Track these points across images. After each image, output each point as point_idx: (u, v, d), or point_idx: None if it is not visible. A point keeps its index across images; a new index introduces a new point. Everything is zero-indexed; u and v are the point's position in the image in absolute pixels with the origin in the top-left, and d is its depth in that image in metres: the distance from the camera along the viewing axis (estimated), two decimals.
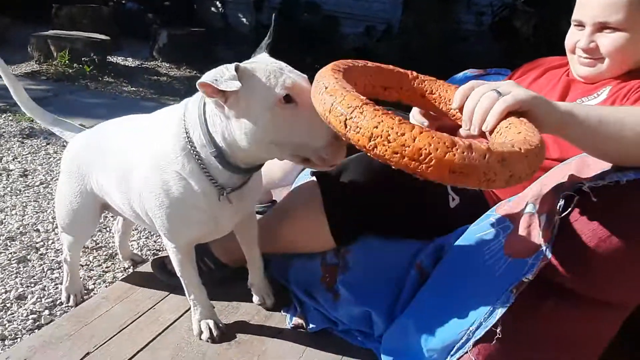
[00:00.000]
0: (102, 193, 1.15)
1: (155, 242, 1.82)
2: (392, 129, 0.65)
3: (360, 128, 0.68)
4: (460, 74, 1.75)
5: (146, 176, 0.97)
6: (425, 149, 0.64)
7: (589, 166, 0.92)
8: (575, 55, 1.14)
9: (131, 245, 1.72)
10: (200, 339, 1.11)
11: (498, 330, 0.88)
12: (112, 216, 1.86)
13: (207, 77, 0.81)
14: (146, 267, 1.40)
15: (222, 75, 0.81)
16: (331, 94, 0.73)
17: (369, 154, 0.68)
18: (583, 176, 0.89)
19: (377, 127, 0.66)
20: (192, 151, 0.92)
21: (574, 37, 1.12)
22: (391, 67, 0.98)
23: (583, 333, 0.94)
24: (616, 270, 0.85)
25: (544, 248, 0.85)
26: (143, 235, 1.84)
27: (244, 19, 5.83)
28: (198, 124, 0.91)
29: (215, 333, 1.11)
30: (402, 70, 0.98)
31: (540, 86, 1.31)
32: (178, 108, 0.98)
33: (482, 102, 0.75)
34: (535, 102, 0.76)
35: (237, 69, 0.83)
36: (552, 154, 1.10)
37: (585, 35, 1.08)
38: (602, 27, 1.06)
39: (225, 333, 1.13)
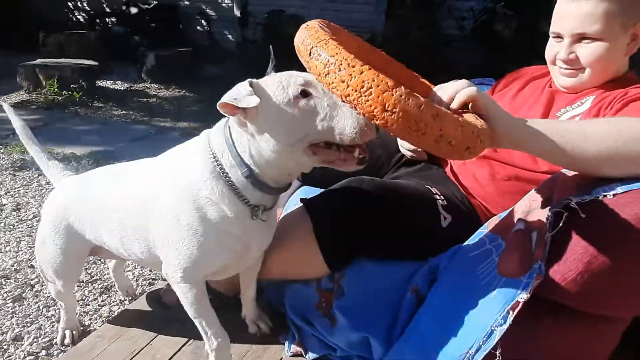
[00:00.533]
0: (98, 242, 1.14)
1: (151, 271, 1.81)
2: (346, 60, 0.73)
3: (320, 56, 0.76)
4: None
5: (172, 207, 0.96)
6: (368, 83, 0.71)
7: (576, 179, 0.92)
8: (556, 66, 1.15)
9: (126, 274, 1.71)
10: None
11: (498, 353, 0.87)
12: None
13: (226, 97, 0.85)
14: (140, 302, 1.39)
15: (239, 94, 0.85)
16: (308, 30, 0.82)
17: (321, 82, 0.76)
18: (570, 191, 0.89)
19: (333, 57, 0.74)
20: (222, 174, 0.92)
21: (554, 49, 1.13)
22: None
23: (583, 348, 0.93)
24: (611, 285, 0.84)
25: (537, 266, 0.84)
26: (138, 265, 1.83)
27: (230, 36, 5.87)
28: (226, 146, 0.93)
29: None
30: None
31: (524, 98, 1.31)
32: (198, 139, 0.99)
33: (457, 84, 0.82)
34: (499, 114, 0.83)
35: (251, 84, 0.87)
36: (541, 167, 1.10)
37: (565, 47, 1.09)
38: (580, 37, 1.07)
39: None
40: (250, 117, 0.88)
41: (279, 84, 0.87)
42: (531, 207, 0.95)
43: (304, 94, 0.85)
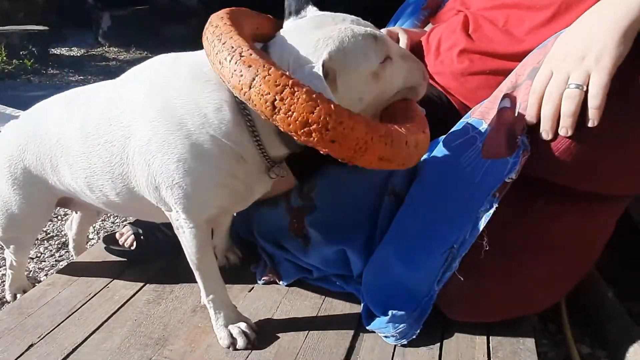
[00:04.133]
0: (63, 187, 0.96)
1: (113, 223, 1.67)
2: (330, 116, 0.62)
3: (292, 112, 0.62)
4: None
5: (163, 138, 0.77)
6: (363, 139, 0.64)
7: None
8: None
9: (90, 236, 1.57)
10: (236, 348, 0.87)
11: (484, 242, 0.77)
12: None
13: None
14: (91, 252, 1.25)
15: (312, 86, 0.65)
16: (250, 64, 0.65)
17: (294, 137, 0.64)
18: None
19: (313, 113, 0.62)
20: (245, 118, 0.74)
21: None
22: None
23: (577, 234, 0.84)
24: (608, 156, 0.74)
25: (519, 141, 0.74)
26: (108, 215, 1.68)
27: None
28: None
29: (252, 337, 0.88)
30: None
31: None
32: (194, 65, 0.78)
33: (566, 105, 0.68)
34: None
35: (326, 69, 0.68)
36: (525, 46, 0.99)
37: None
38: None
39: (260, 332, 0.91)
40: None
41: (360, 53, 0.71)
42: (517, 82, 0.83)
43: (386, 58, 0.74)
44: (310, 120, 0.62)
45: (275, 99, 0.62)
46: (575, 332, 1.07)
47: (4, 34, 4.07)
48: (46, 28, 4.27)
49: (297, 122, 0.62)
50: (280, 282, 1.05)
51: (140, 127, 0.80)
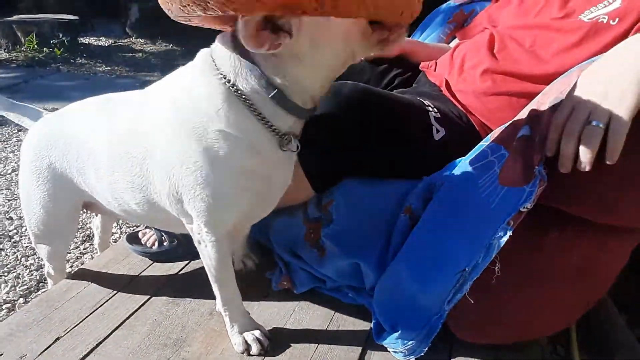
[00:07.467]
0: (88, 189, 0.97)
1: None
2: None
3: None
4: (444, 5, 1.61)
5: (180, 149, 0.77)
6: None
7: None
8: None
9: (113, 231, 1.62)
10: (250, 354, 0.91)
11: (496, 268, 0.78)
12: None
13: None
14: (119, 246, 1.31)
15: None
16: None
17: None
18: None
19: None
20: (241, 99, 0.73)
21: None
22: None
23: (591, 264, 0.85)
24: (625, 190, 0.75)
25: (537, 170, 0.75)
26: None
27: None
28: (242, 66, 0.72)
29: (265, 344, 0.92)
30: None
31: (534, 0, 1.18)
32: (194, 64, 0.79)
33: (586, 143, 0.68)
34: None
35: None
36: (549, 69, 1.00)
37: None
38: None
39: (273, 339, 0.94)
40: (286, 45, 0.67)
41: None
42: (539, 110, 0.84)
43: None
44: None
45: None
46: (584, 357, 1.07)
47: (36, 22, 4.19)
48: (76, 17, 4.36)
49: None
50: (295, 291, 1.08)
51: (159, 139, 0.81)
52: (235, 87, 0.73)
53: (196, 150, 0.76)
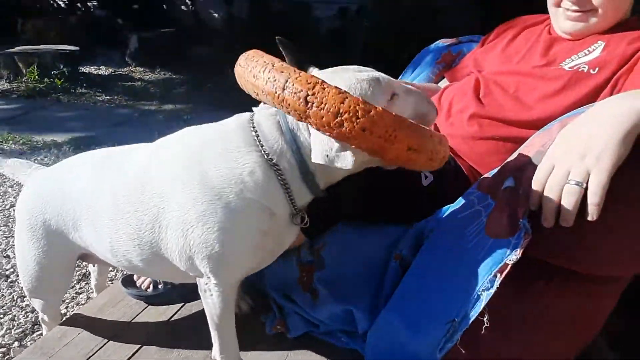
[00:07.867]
0: (85, 244, 0.97)
1: None
2: (359, 105, 0.67)
3: (324, 104, 0.68)
4: (433, 45, 1.65)
5: (203, 210, 0.79)
6: (392, 127, 0.69)
7: None
8: (561, 8, 1.07)
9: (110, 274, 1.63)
10: None
11: (485, 319, 0.79)
12: None
13: (319, 156, 0.73)
14: (109, 291, 1.31)
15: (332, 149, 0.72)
16: (282, 70, 0.72)
17: (327, 132, 0.69)
18: None
19: (343, 103, 0.67)
20: (279, 176, 0.79)
21: None
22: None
23: (578, 313, 0.86)
24: (610, 242, 0.76)
25: (522, 223, 0.76)
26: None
27: (215, 14, 5.68)
28: (283, 142, 0.78)
29: None
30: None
31: (517, 47, 1.22)
32: (228, 126, 0.83)
33: (566, 201, 0.70)
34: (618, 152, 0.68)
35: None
36: (532, 115, 1.03)
37: None
38: None
39: None
40: None
41: (365, 95, 0.75)
42: (522, 162, 0.86)
43: (392, 95, 0.79)
44: (341, 110, 0.67)
45: (308, 94, 0.68)
46: None
47: (37, 53, 4.26)
48: (77, 48, 4.45)
49: (330, 112, 0.67)
50: (288, 335, 1.09)
51: (176, 198, 0.82)
52: (276, 166, 0.79)
53: (221, 213, 0.79)
